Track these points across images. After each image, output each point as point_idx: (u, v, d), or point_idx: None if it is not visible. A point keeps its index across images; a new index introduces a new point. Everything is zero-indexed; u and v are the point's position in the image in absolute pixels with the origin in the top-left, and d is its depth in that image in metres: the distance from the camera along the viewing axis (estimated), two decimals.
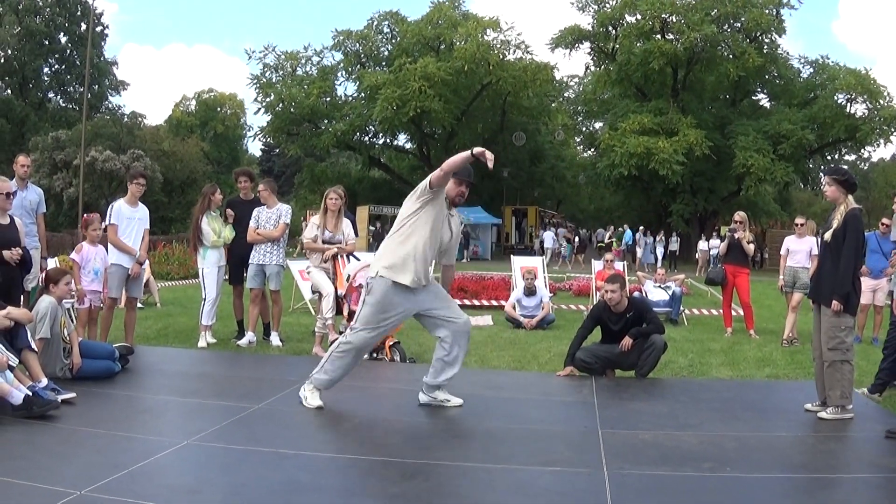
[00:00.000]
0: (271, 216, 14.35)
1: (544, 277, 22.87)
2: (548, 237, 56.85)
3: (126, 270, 13.12)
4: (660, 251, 50.39)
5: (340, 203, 13.82)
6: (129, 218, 13.34)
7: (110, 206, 13.55)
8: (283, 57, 65.91)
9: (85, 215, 13.28)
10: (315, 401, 9.18)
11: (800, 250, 16.33)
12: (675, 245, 53.55)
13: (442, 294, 9.28)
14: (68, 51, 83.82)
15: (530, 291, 18.86)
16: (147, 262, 16.11)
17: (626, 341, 11.55)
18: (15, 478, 6.39)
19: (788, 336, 16.05)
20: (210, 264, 14.58)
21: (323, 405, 9.13)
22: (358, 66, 66.13)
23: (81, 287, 12.13)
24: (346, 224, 13.98)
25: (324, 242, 13.61)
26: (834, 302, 9.25)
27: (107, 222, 13.05)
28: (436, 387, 9.39)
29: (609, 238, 58.19)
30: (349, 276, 13.10)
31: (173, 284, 27.42)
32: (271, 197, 14.51)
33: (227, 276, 15.32)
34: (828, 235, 9.57)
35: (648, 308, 12.50)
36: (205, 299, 14.57)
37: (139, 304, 16.84)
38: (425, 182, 8.90)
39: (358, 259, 13.79)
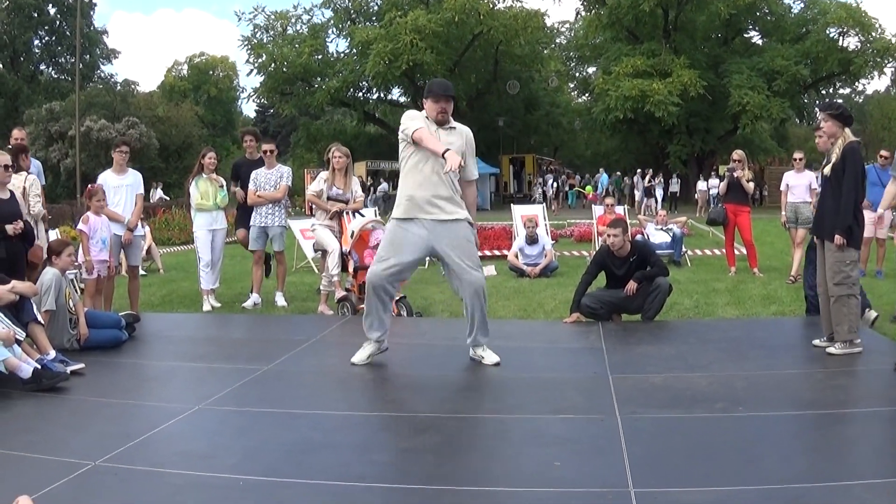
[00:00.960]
0: (270, 177, 14.31)
1: (545, 225, 22.83)
2: (601, 180, 57.67)
3: (119, 238, 13.18)
4: (659, 193, 50.30)
5: (346, 161, 13.77)
6: (116, 186, 13.38)
7: (97, 178, 13.54)
8: (272, 17, 65.56)
9: (89, 186, 13.25)
10: (361, 355, 9.33)
11: (799, 185, 16.23)
12: (675, 187, 53.52)
13: (459, 241, 9.02)
14: (58, 22, 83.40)
15: (532, 240, 18.83)
16: (148, 228, 16.11)
17: (631, 285, 11.55)
18: (28, 451, 6.40)
19: (794, 274, 16.03)
20: (199, 227, 14.60)
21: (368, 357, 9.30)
22: (348, 23, 65.83)
23: (90, 258, 12.12)
24: (354, 182, 13.93)
25: (330, 199, 13.56)
26: (837, 236, 9.24)
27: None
28: (474, 344, 9.38)
29: (581, 183, 58.57)
30: (353, 232, 13.09)
31: (175, 250, 27.41)
32: (271, 158, 14.46)
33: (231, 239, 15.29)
34: (827, 170, 9.56)
35: (652, 251, 12.51)
36: (199, 262, 14.56)
37: (142, 272, 16.83)
38: (404, 128, 8.99)
39: (363, 216, 13.76)
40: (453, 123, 9.14)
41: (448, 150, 8.54)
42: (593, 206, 28.96)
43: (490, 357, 9.23)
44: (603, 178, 58.90)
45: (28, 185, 12.32)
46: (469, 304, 9.10)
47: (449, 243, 8.93)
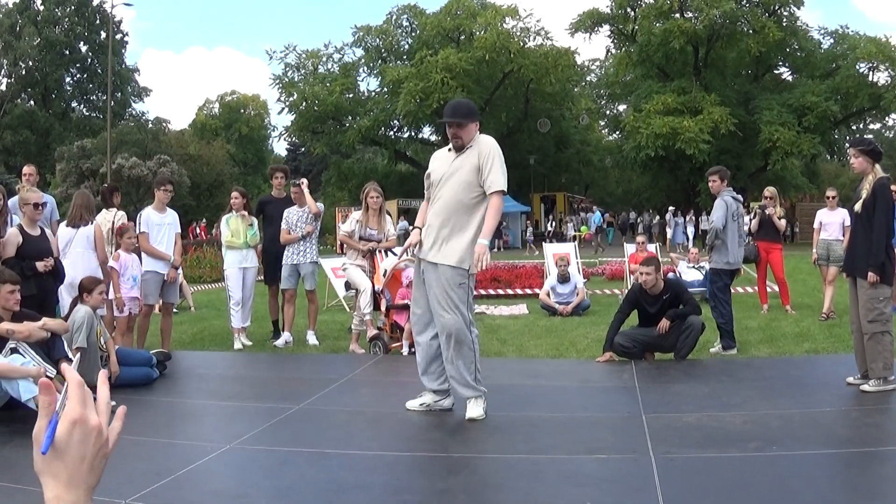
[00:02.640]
0: (302, 216, 14.30)
1: (577, 263, 22.79)
2: (593, 219, 57.71)
3: (162, 276, 13.18)
4: (690, 231, 50.22)
5: (382, 200, 13.80)
6: (159, 224, 13.39)
7: (139, 215, 13.59)
8: (304, 56, 65.96)
9: (120, 223, 13.33)
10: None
11: (832, 222, 16.14)
12: (707, 224, 53.42)
13: (440, 280, 8.53)
14: (89, 59, 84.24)
15: (564, 278, 18.80)
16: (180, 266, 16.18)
17: (664, 323, 11.50)
18: None
19: (827, 311, 15.93)
20: (230, 265, 14.61)
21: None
22: (379, 61, 66.20)
23: (121, 295, 12.14)
24: (387, 221, 13.96)
25: (362, 239, 13.57)
26: (870, 273, 9.20)
27: (137, 231, 13.07)
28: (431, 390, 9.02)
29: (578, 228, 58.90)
30: (386, 271, 13.10)
31: (206, 288, 27.49)
32: (303, 196, 14.48)
33: (261, 277, 15.35)
34: (858, 206, 9.52)
35: (684, 289, 12.48)
36: (230, 300, 14.58)
37: (174, 309, 16.90)
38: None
39: (396, 255, 13.77)
40: (472, 143, 8.72)
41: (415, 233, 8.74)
42: (625, 244, 28.85)
43: (445, 402, 8.96)
44: (595, 216, 59.07)
45: (117, 220, 13.62)
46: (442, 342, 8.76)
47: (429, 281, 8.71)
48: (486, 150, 8.62)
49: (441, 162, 8.78)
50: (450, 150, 8.79)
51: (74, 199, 13.06)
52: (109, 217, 14.08)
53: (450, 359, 8.56)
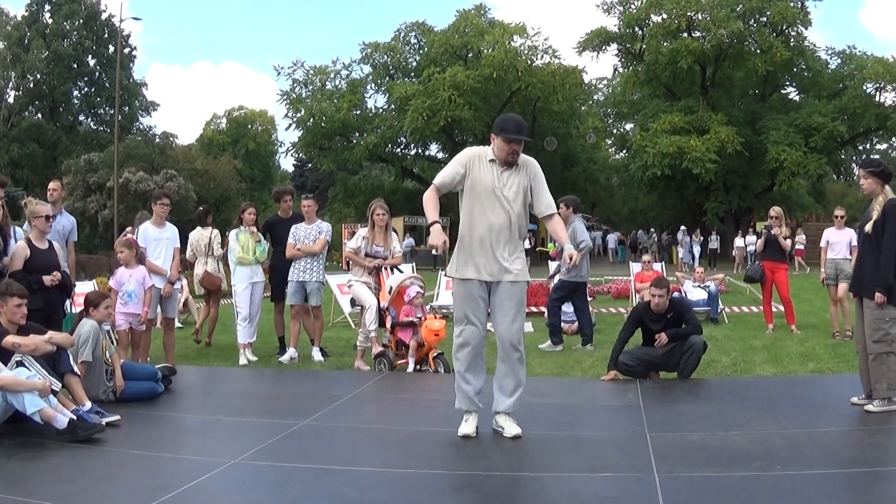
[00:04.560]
0: (310, 232, 14.36)
1: None
2: (612, 239, 57.74)
3: (159, 291, 13.20)
4: (696, 250, 50.25)
5: (388, 217, 13.86)
6: (157, 239, 13.46)
7: (136, 230, 13.63)
8: (311, 72, 65.88)
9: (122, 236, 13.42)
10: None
11: (840, 242, 16.10)
12: (715, 243, 53.36)
13: (509, 298, 8.53)
14: (97, 73, 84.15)
15: None
16: (185, 281, 16.21)
17: (662, 337, 11.51)
18: (63, 503, 6.41)
19: (846, 329, 15.87)
20: (239, 280, 14.66)
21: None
22: (387, 78, 66.18)
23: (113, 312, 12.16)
24: (393, 238, 14.02)
25: (368, 256, 13.60)
26: (877, 294, 9.21)
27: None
28: (496, 412, 8.80)
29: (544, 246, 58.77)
30: (391, 288, 13.12)
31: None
32: (312, 213, 14.52)
33: (268, 293, 15.38)
34: (868, 227, 9.52)
35: (688, 308, 12.50)
36: (237, 316, 14.61)
37: (178, 324, 16.90)
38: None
39: (402, 272, 13.79)
40: (519, 160, 8.60)
41: (435, 222, 8.50)
42: (631, 263, 28.86)
43: (510, 429, 8.67)
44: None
45: (213, 237, 16.06)
46: (503, 362, 8.72)
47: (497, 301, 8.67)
48: (537, 171, 8.71)
49: (486, 171, 8.50)
50: (491, 160, 8.52)
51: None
52: (206, 234, 17.00)
53: (514, 370, 8.63)
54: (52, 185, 13.86)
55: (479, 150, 8.71)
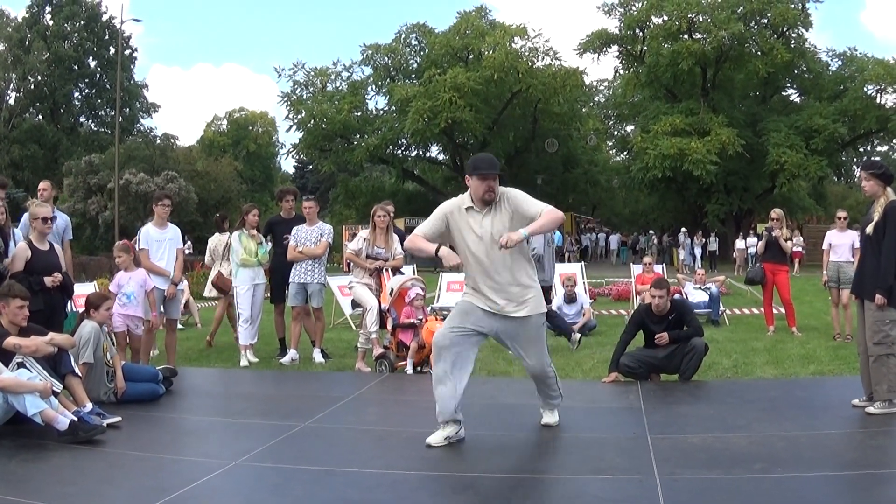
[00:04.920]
0: (311, 233, 14.36)
1: (584, 284, 22.74)
2: (614, 240, 57.79)
3: (162, 292, 13.17)
4: (698, 252, 50.25)
5: (389, 220, 13.87)
6: (159, 240, 13.44)
7: (139, 232, 13.63)
8: (312, 73, 65.79)
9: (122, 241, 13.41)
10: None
11: (842, 244, 16.07)
12: (714, 245, 53.34)
13: (525, 338, 8.58)
14: (98, 75, 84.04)
15: (570, 298, 18.81)
16: (186, 282, 16.21)
17: (664, 336, 11.51)
18: None
19: (847, 332, 15.85)
20: (241, 282, 14.68)
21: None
22: (387, 80, 66.08)
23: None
24: (395, 240, 14.02)
25: (369, 258, 13.60)
26: (878, 296, 9.22)
27: (137, 248, 13.10)
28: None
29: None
30: (392, 290, 13.12)
31: (213, 304, 27.46)
32: (313, 215, 14.54)
33: (268, 295, 15.39)
34: (869, 229, 9.54)
35: (689, 310, 12.51)
36: (239, 317, 14.63)
37: (179, 326, 16.89)
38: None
39: (403, 273, 13.80)
40: (498, 197, 8.41)
41: (439, 247, 8.33)
42: (632, 265, 28.90)
43: (548, 417, 9.09)
44: (556, 235, 59.21)
45: (231, 241, 15.50)
46: (539, 389, 9.01)
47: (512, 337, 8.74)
48: (516, 197, 8.48)
49: (465, 221, 8.42)
50: (468, 208, 8.43)
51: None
52: (223, 239, 17.00)
53: (546, 395, 9.03)
54: (42, 185, 13.80)
55: (454, 202, 8.62)
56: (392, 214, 13.94)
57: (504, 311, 8.36)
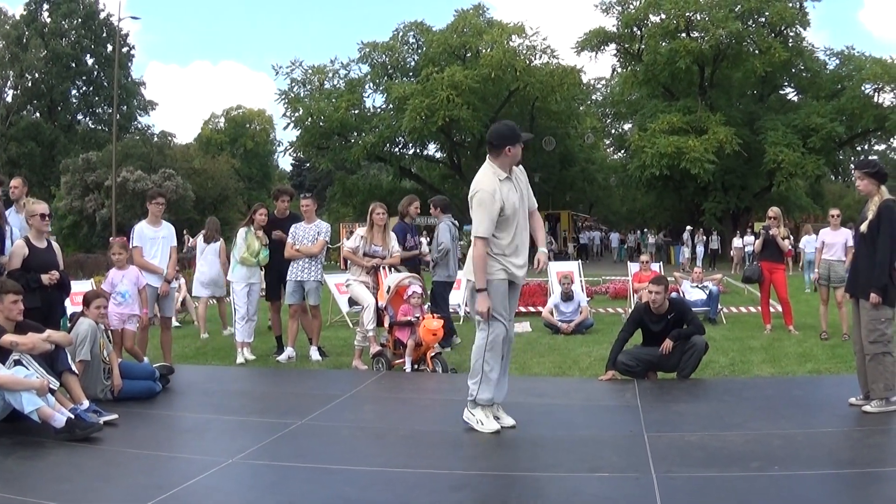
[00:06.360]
0: (309, 231, 14.35)
1: (581, 282, 22.75)
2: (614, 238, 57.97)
3: (155, 290, 13.14)
4: (700, 251, 50.26)
5: (387, 218, 13.87)
6: (153, 238, 13.36)
7: (132, 230, 13.61)
8: (310, 71, 65.59)
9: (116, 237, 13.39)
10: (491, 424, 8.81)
11: (835, 243, 16.10)
12: (715, 244, 53.31)
13: (515, 299, 9.09)
14: (95, 72, 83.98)
15: (567, 296, 18.81)
16: (183, 280, 16.20)
17: (667, 344, 11.50)
18: (61, 501, 6.43)
19: (845, 330, 15.82)
20: (238, 280, 14.71)
21: (499, 429, 8.75)
22: (385, 78, 65.96)
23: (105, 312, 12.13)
24: (392, 238, 14.02)
25: (366, 256, 13.63)
26: (872, 295, 9.25)
27: (131, 245, 13.08)
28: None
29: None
30: (389, 287, 13.12)
31: (210, 302, 27.48)
32: (311, 213, 14.54)
33: (263, 293, 15.39)
34: (863, 227, 9.56)
35: (688, 309, 12.49)
36: (235, 314, 14.63)
37: (176, 323, 16.88)
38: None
39: (399, 271, 13.81)
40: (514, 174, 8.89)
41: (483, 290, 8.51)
42: (629, 263, 28.92)
43: (506, 419, 9.01)
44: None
45: None
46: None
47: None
48: (522, 171, 8.99)
49: (508, 189, 8.65)
50: (503, 178, 8.67)
51: (208, 224, 19.24)
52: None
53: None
54: (13, 181, 13.65)
55: (490, 178, 8.68)
56: (385, 215, 13.93)
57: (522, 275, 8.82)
